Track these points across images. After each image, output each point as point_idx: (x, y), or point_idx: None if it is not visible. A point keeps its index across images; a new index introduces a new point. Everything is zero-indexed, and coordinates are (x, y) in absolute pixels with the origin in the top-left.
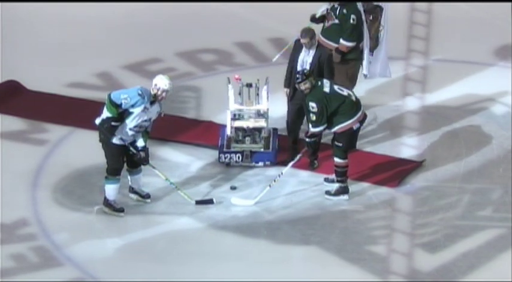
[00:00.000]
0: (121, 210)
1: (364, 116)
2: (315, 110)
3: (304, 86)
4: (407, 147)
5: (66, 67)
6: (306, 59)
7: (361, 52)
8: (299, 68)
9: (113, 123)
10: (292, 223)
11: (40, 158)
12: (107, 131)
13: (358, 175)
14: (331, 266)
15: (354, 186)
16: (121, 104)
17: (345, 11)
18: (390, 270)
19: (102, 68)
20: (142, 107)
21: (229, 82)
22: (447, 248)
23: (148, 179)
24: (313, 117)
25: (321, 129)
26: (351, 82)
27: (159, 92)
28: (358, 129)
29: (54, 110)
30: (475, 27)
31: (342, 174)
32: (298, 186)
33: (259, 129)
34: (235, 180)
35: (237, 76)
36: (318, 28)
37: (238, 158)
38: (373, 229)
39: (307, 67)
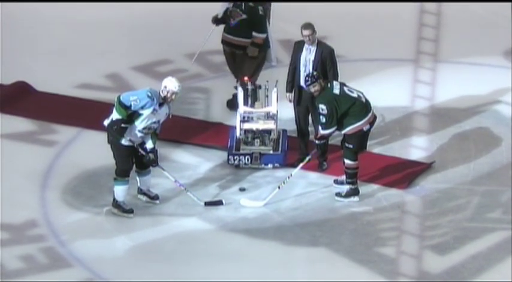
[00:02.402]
0: (130, 211)
1: (374, 118)
2: (325, 112)
3: (313, 89)
4: (416, 149)
5: (75, 68)
6: (308, 57)
7: (267, 42)
8: (302, 68)
9: (122, 125)
10: (301, 225)
11: (49, 159)
12: (116, 132)
13: (368, 177)
14: (341, 267)
15: (363, 188)
16: (130, 105)
17: (251, 4)
18: (399, 272)
19: (112, 69)
20: (151, 109)
21: (239, 84)
22: (456, 250)
23: (157, 180)
24: (323, 120)
25: (331, 132)
26: (255, 73)
27: (168, 94)
28: (369, 131)
29: (63, 111)
30: (485, 29)
31: (353, 176)
32: (308, 188)
33: (268, 131)
34: (244, 181)
35: (246, 77)
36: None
37: (248, 160)
38: (383, 231)
39: (311, 65)
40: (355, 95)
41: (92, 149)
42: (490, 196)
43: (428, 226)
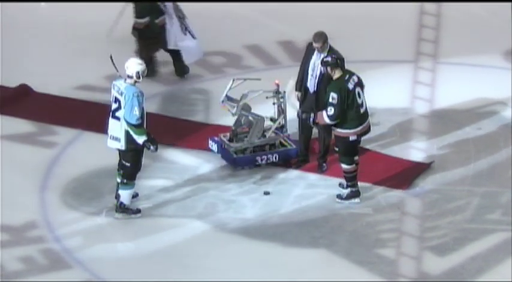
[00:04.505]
0: (138, 211)
1: (366, 132)
2: (335, 101)
3: (332, 72)
4: (416, 151)
5: (75, 69)
6: (317, 62)
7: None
8: (310, 71)
9: (151, 136)
10: (300, 226)
11: (49, 160)
12: (155, 145)
13: (367, 178)
14: (340, 268)
15: (362, 189)
16: (141, 117)
17: None
18: (399, 273)
19: (111, 71)
20: (143, 97)
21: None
22: (456, 251)
23: (157, 182)
24: (331, 110)
25: (333, 123)
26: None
27: (138, 75)
28: (356, 141)
29: (63, 113)
30: (485, 30)
31: (351, 179)
32: (307, 189)
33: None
34: (243, 183)
35: (277, 81)
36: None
37: (275, 158)
38: (382, 232)
39: (318, 70)
40: (360, 101)
41: (91, 151)
42: (490, 197)
43: (428, 227)
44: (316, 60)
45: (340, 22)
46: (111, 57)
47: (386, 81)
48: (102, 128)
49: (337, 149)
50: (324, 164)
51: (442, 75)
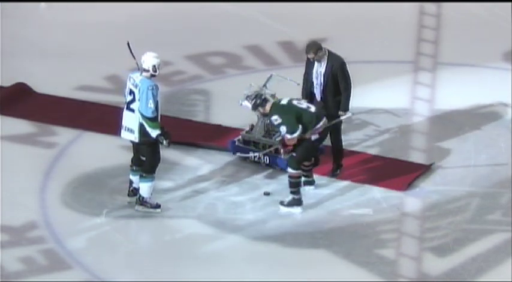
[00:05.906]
0: (158, 206)
1: (327, 130)
2: (280, 121)
3: (264, 109)
4: (416, 151)
5: (75, 70)
6: (319, 70)
7: None
8: (314, 80)
9: (165, 130)
10: (301, 226)
11: (49, 160)
12: (168, 138)
13: (368, 178)
14: (340, 269)
15: (362, 190)
16: (156, 110)
17: None
18: (399, 274)
19: (111, 71)
20: (158, 90)
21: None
22: (456, 252)
23: (157, 182)
24: (284, 128)
25: (298, 133)
26: None
27: (154, 69)
28: (317, 141)
29: (63, 113)
30: (484, 30)
31: (295, 185)
32: (307, 190)
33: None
34: (243, 183)
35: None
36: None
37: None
38: (382, 233)
39: (321, 77)
40: (304, 106)
41: (91, 151)
42: (490, 198)
43: (428, 228)
44: (318, 68)
45: (340, 22)
46: (128, 44)
47: (386, 81)
48: (102, 128)
49: (294, 154)
50: (338, 171)
51: (442, 76)
